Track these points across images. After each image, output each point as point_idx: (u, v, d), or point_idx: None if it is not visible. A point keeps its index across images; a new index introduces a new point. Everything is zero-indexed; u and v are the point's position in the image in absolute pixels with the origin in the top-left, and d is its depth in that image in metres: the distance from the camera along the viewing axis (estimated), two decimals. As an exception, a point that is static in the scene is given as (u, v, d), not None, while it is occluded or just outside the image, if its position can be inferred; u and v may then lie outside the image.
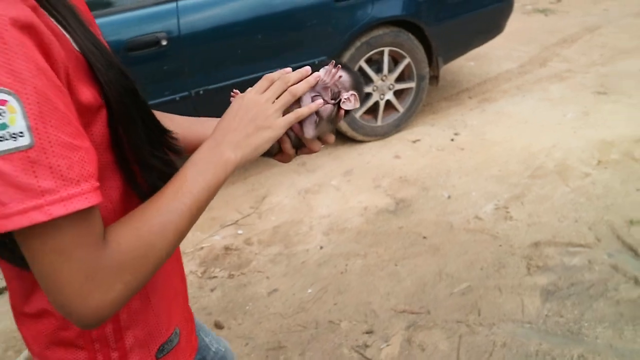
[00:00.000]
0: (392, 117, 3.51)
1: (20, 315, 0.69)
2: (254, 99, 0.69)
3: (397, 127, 3.54)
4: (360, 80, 0.78)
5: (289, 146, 0.75)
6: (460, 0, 3.49)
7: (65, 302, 0.52)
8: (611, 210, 2.64)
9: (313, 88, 0.72)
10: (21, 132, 0.46)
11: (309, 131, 0.73)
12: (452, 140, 3.46)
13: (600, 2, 6.37)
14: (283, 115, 0.70)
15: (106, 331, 0.67)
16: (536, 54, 4.79)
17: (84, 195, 0.50)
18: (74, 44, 0.57)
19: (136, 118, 0.62)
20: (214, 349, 1.02)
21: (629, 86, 3.97)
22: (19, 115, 0.46)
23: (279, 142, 0.74)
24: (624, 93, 3.86)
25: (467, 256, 2.43)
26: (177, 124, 0.79)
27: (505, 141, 3.37)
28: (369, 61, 3.30)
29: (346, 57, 3.17)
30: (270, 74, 0.72)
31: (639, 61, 4.40)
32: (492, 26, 3.80)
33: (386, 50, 3.28)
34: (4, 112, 0.46)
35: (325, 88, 0.73)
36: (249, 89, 0.71)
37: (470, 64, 4.66)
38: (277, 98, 0.70)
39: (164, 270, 0.74)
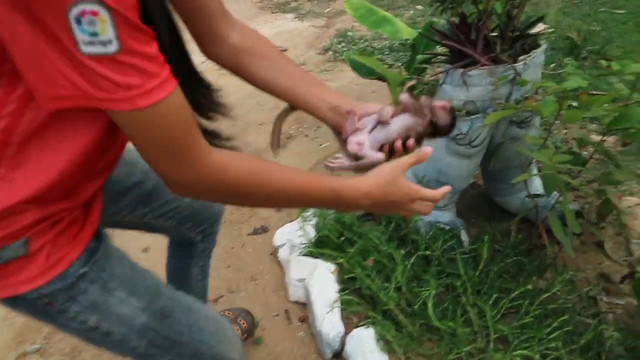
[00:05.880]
0: None
1: None
2: (406, 200, 0.78)
3: None
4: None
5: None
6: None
7: (170, 169, 0.62)
8: None
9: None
10: (110, 40, 0.52)
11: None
12: None
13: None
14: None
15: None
16: None
17: (163, 85, 0.57)
18: None
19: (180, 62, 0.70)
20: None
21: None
22: (108, 24, 0.51)
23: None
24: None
25: None
26: (291, 74, 0.88)
27: None
28: None
29: None
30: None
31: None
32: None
33: None
34: (96, 22, 0.51)
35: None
36: (414, 186, 0.79)
37: None
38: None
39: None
